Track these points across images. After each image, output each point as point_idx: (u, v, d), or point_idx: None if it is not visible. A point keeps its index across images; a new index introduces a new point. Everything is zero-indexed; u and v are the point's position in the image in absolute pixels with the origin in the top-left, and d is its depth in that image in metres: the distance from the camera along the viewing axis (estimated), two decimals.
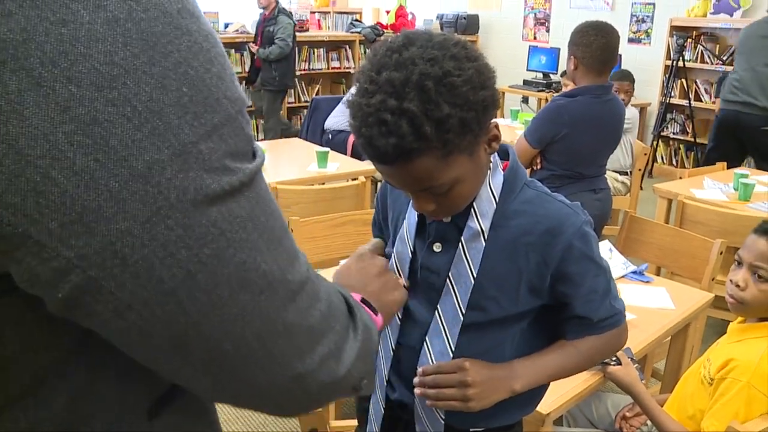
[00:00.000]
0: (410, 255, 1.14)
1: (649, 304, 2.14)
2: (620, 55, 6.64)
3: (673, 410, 1.74)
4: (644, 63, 6.88)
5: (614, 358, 1.73)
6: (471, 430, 1.20)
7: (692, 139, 6.53)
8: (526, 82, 7.53)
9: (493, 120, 1.00)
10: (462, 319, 1.11)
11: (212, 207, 0.49)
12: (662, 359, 2.46)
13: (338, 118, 5.34)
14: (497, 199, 1.07)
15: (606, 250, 2.45)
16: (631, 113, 4.42)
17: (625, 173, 4.53)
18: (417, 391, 1.13)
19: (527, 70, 7.54)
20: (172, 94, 0.46)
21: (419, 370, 1.14)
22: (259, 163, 0.55)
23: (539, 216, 1.07)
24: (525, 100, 7.59)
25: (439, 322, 1.12)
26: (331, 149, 4.17)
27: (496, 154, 1.10)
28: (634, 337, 1.92)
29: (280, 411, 0.65)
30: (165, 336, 0.50)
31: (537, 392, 1.23)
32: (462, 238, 1.09)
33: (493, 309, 1.09)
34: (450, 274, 1.11)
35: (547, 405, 1.55)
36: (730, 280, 1.68)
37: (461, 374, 1.09)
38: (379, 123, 0.89)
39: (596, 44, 2.69)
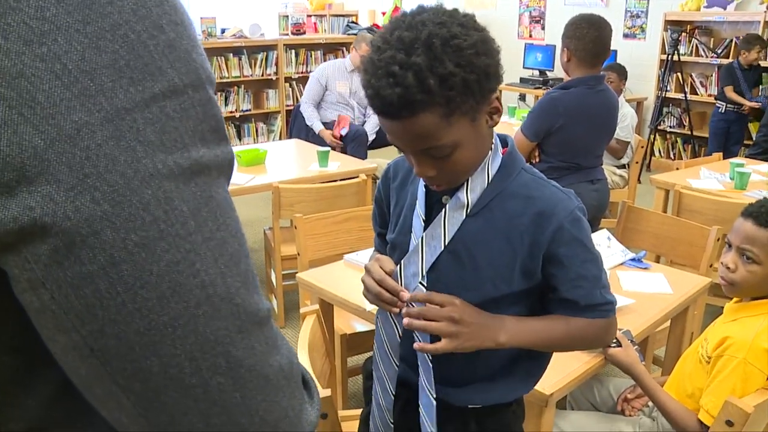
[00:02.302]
0: (416, 242, 1.18)
1: (648, 289, 2.18)
2: (615, 51, 6.68)
3: (672, 390, 1.78)
4: (640, 58, 6.93)
5: (614, 340, 1.77)
6: (469, 406, 1.23)
7: (689, 132, 6.58)
8: (522, 80, 7.57)
9: (496, 93, 1.05)
10: (420, 280, 1.14)
11: (145, 186, 0.44)
12: (662, 346, 2.50)
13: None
14: (490, 179, 1.12)
15: (604, 238, 2.49)
16: (626, 111, 4.44)
17: (623, 167, 4.57)
18: (405, 321, 1.13)
19: (523, 67, 7.59)
20: (106, 55, 0.43)
21: (405, 295, 1.14)
22: (216, 161, 0.48)
23: (533, 199, 1.11)
24: (522, 97, 7.64)
25: (399, 277, 1.16)
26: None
27: (498, 140, 1.15)
28: (633, 320, 1.96)
29: None
30: (81, 332, 0.44)
31: (534, 371, 1.27)
32: (446, 205, 1.14)
33: (489, 288, 1.13)
34: (424, 233, 1.16)
35: (549, 386, 1.59)
36: (721, 263, 1.72)
37: (450, 309, 1.11)
38: (388, 75, 0.96)
39: (588, 37, 2.73)
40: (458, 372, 1.21)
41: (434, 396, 1.19)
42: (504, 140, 1.19)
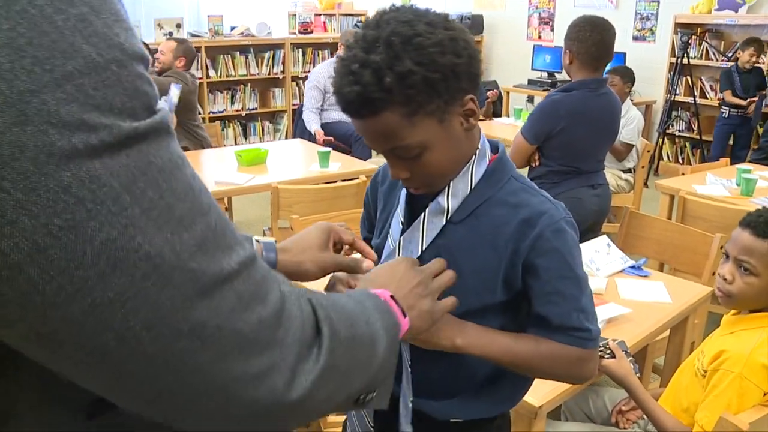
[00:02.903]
0: (393, 246, 1.15)
1: (646, 297, 2.13)
2: (624, 53, 6.62)
3: (668, 403, 1.74)
4: (649, 61, 6.85)
5: (608, 351, 1.73)
6: (451, 420, 1.19)
7: (698, 137, 6.50)
8: (530, 82, 7.51)
9: (471, 95, 1.01)
10: None
11: (63, 169, 0.42)
12: (663, 354, 2.45)
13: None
14: (473, 185, 1.08)
15: (604, 244, 2.44)
16: (633, 114, 4.38)
17: (629, 171, 4.51)
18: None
19: (532, 69, 7.53)
20: (1, 34, 0.40)
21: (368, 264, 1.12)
22: (151, 125, 0.47)
23: (520, 207, 1.07)
24: (530, 99, 7.58)
25: None
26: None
27: (487, 146, 1.11)
28: (629, 330, 1.92)
29: (208, 427, 0.58)
30: (26, 321, 0.44)
31: (521, 386, 1.22)
32: (426, 209, 1.10)
33: (472, 299, 1.08)
34: (402, 237, 1.12)
35: (539, 397, 1.55)
36: (718, 274, 1.67)
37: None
38: (348, 73, 0.95)
39: (591, 40, 2.68)
40: (440, 384, 1.17)
41: (410, 399, 1.15)
42: (495, 146, 1.15)
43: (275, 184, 3.32)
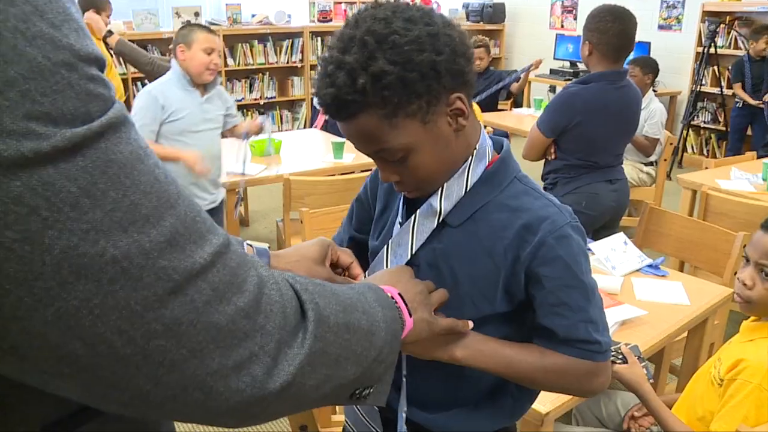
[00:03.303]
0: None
1: (663, 299, 2.05)
2: (648, 43, 6.47)
3: (682, 411, 1.66)
4: (675, 50, 6.69)
5: (620, 356, 1.66)
6: None
7: (724, 128, 6.34)
8: (552, 71, 7.38)
9: (458, 93, 0.95)
10: None
11: (11, 179, 0.40)
12: (681, 355, 2.37)
13: None
14: (469, 187, 1.02)
15: (621, 242, 2.36)
16: (655, 107, 4.26)
17: (651, 164, 4.40)
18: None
19: (554, 59, 7.40)
20: None
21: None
22: (107, 121, 0.45)
23: (521, 211, 1.00)
24: (552, 89, 7.45)
25: None
26: None
27: (489, 145, 1.05)
28: (645, 333, 1.84)
29: (188, 420, 0.57)
30: None
31: (524, 400, 1.15)
32: (417, 211, 1.05)
33: (469, 308, 1.02)
34: (390, 240, 1.07)
35: (546, 403, 1.49)
36: (738, 278, 1.59)
37: None
38: (325, 75, 0.91)
39: (612, 30, 2.58)
40: (437, 395, 1.11)
41: (404, 410, 1.09)
42: (500, 144, 1.08)
43: (287, 175, 3.28)
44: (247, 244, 1.02)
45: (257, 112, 7.34)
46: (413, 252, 1.04)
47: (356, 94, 0.88)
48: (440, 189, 1.02)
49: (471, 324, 1.01)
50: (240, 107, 7.07)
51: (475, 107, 4.80)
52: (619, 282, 2.13)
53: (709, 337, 2.21)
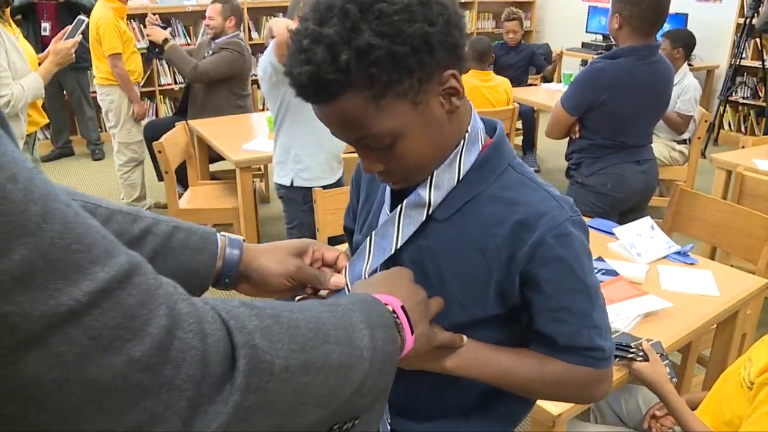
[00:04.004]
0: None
1: (691, 289, 1.92)
2: (686, 14, 6.21)
3: (708, 413, 1.55)
4: (713, 22, 6.41)
5: (641, 353, 1.55)
6: None
7: (764, 104, 6.08)
8: (584, 45, 7.15)
9: (451, 70, 0.84)
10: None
11: None
12: (710, 347, 2.24)
13: None
14: (461, 176, 0.91)
15: (647, 227, 2.23)
16: (689, 82, 4.06)
17: (684, 142, 4.21)
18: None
19: (586, 32, 7.15)
20: None
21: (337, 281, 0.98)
22: None
23: (517, 204, 0.89)
24: (584, 63, 7.21)
25: (347, 287, 0.96)
26: None
27: (481, 127, 0.93)
28: (670, 327, 1.72)
29: None
30: None
31: (517, 410, 1.04)
32: (404, 201, 0.94)
33: (456, 312, 0.92)
34: (374, 232, 0.96)
35: (558, 404, 1.39)
36: None
37: None
38: (299, 51, 0.79)
39: (646, 2, 2.41)
40: (424, 402, 1.02)
41: (388, 421, 1.01)
42: (493, 127, 0.97)
43: None
44: (221, 235, 0.93)
45: None
46: (397, 247, 0.94)
47: (338, 73, 0.77)
48: (429, 177, 0.91)
49: (466, 339, 0.92)
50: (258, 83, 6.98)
51: (505, 81, 4.67)
52: (644, 270, 2.00)
53: (741, 329, 2.08)
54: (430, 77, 0.82)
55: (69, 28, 3.10)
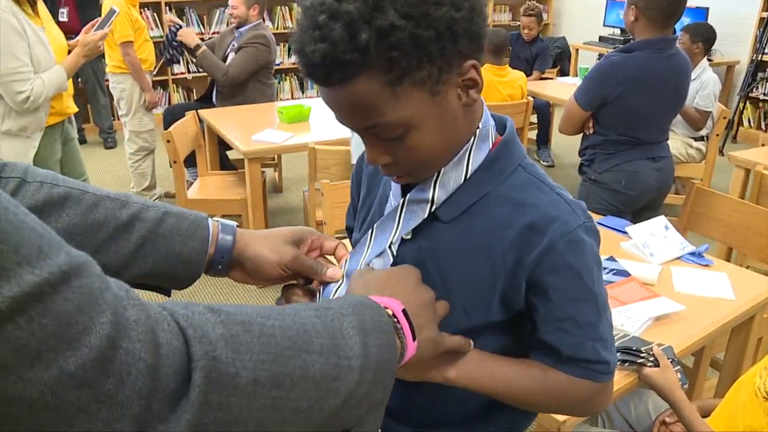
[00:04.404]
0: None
1: (705, 292, 1.86)
2: (707, 8, 6.09)
3: (720, 422, 1.49)
4: (735, 16, 6.28)
5: (652, 358, 1.50)
6: None
7: None
8: (602, 39, 7.05)
9: (472, 60, 0.79)
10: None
11: None
12: (724, 350, 2.18)
13: None
14: (468, 174, 0.86)
15: (661, 227, 2.16)
16: (708, 77, 3.97)
17: (702, 138, 4.13)
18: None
19: (604, 25, 7.05)
20: None
21: (333, 273, 0.94)
22: None
23: (526, 206, 0.84)
24: (600, 57, 7.12)
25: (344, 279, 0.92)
26: None
27: (492, 124, 0.88)
28: (682, 330, 1.67)
29: None
30: None
31: (520, 421, 1.00)
32: (407, 195, 0.89)
33: (460, 316, 0.87)
34: (375, 225, 0.92)
35: None
36: None
37: None
38: (313, 27, 0.73)
39: None
40: (422, 412, 0.97)
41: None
42: (503, 124, 0.92)
43: (312, 144, 3.15)
44: (213, 220, 0.90)
45: (296, 77, 7.21)
46: (393, 240, 0.89)
47: (355, 53, 0.71)
48: (436, 174, 0.86)
49: (472, 343, 0.87)
50: (278, 72, 6.95)
51: (521, 76, 4.58)
52: (657, 271, 1.94)
53: (756, 333, 2.01)
54: (450, 66, 0.77)
55: (99, 19, 3.05)
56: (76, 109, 3.04)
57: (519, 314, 0.88)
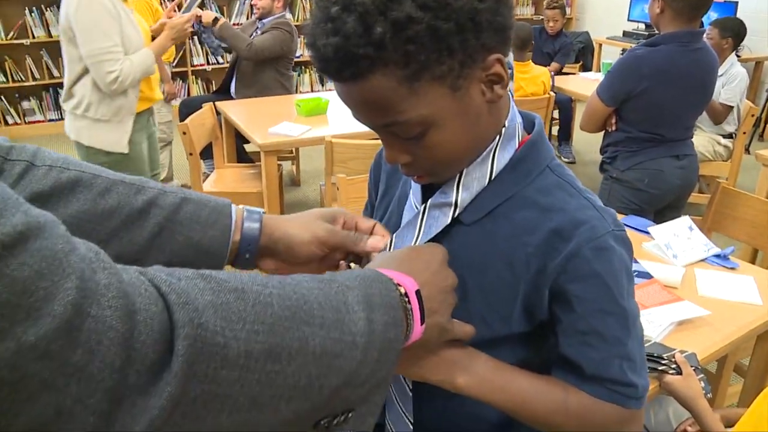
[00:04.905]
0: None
1: (730, 296, 1.79)
2: (735, 3, 5.95)
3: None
4: (764, 10, 6.13)
5: (674, 365, 1.44)
6: None
7: None
8: (626, 34, 6.92)
9: (497, 54, 0.74)
10: None
11: None
12: (749, 355, 2.11)
13: None
14: (493, 175, 0.81)
15: (685, 227, 2.09)
16: (736, 72, 3.87)
17: (729, 136, 4.03)
18: None
19: (628, 20, 6.93)
20: None
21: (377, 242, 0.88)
22: None
23: (553, 211, 0.79)
24: (624, 53, 7.01)
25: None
26: None
27: (519, 122, 0.83)
28: (707, 337, 1.60)
29: None
30: None
31: None
32: (429, 201, 0.84)
33: (479, 327, 0.81)
34: (395, 234, 0.87)
35: None
36: None
37: None
38: (326, 19, 0.69)
39: None
40: (435, 425, 0.92)
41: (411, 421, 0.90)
42: (531, 121, 0.86)
43: (329, 138, 3.11)
44: (239, 207, 0.85)
45: (315, 70, 7.16)
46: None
47: (369, 47, 0.67)
48: (458, 176, 0.81)
49: (473, 329, 0.80)
50: (297, 64, 6.90)
51: (545, 72, 4.49)
52: (680, 273, 1.88)
53: None
54: (473, 60, 0.72)
55: (183, 1, 3.02)
56: (162, 96, 3.02)
57: (542, 326, 0.83)
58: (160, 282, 0.46)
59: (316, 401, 0.55)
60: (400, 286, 0.67)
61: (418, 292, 0.68)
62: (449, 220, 0.83)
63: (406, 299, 0.67)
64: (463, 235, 0.83)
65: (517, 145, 0.82)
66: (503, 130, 0.81)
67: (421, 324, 0.68)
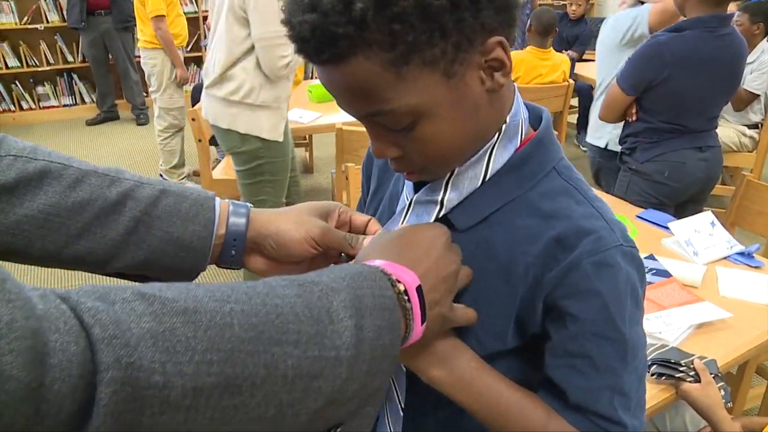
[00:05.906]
0: None
1: (754, 297, 1.70)
2: None
3: None
4: None
5: (692, 372, 1.35)
6: None
7: None
8: None
9: (498, 36, 0.64)
10: None
11: None
12: None
13: None
14: (487, 176, 0.72)
15: (707, 223, 2.00)
16: (767, 59, 3.72)
17: (755, 126, 3.89)
18: None
19: None
20: None
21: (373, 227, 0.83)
22: None
23: (556, 218, 0.70)
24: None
25: None
26: None
27: (524, 116, 0.74)
28: (728, 341, 1.52)
29: None
30: None
31: None
32: (414, 196, 0.76)
33: (471, 343, 0.73)
34: (381, 229, 0.80)
35: None
36: None
37: None
38: None
39: None
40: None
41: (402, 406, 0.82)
42: (538, 116, 0.77)
43: (339, 125, 3.04)
44: (225, 201, 0.78)
45: None
46: None
47: (350, 26, 0.59)
48: (450, 174, 0.73)
49: (476, 315, 0.72)
50: None
51: (565, 60, 4.35)
52: (701, 272, 1.78)
53: None
54: (470, 43, 0.63)
55: None
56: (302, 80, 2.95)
57: (535, 340, 0.74)
58: (84, 311, 0.39)
59: (291, 427, 0.49)
60: (399, 282, 0.60)
61: (419, 288, 0.61)
62: (432, 219, 0.74)
63: (406, 297, 0.60)
64: (456, 243, 0.73)
65: (519, 143, 0.73)
66: (504, 127, 0.72)
67: (422, 323, 0.61)
